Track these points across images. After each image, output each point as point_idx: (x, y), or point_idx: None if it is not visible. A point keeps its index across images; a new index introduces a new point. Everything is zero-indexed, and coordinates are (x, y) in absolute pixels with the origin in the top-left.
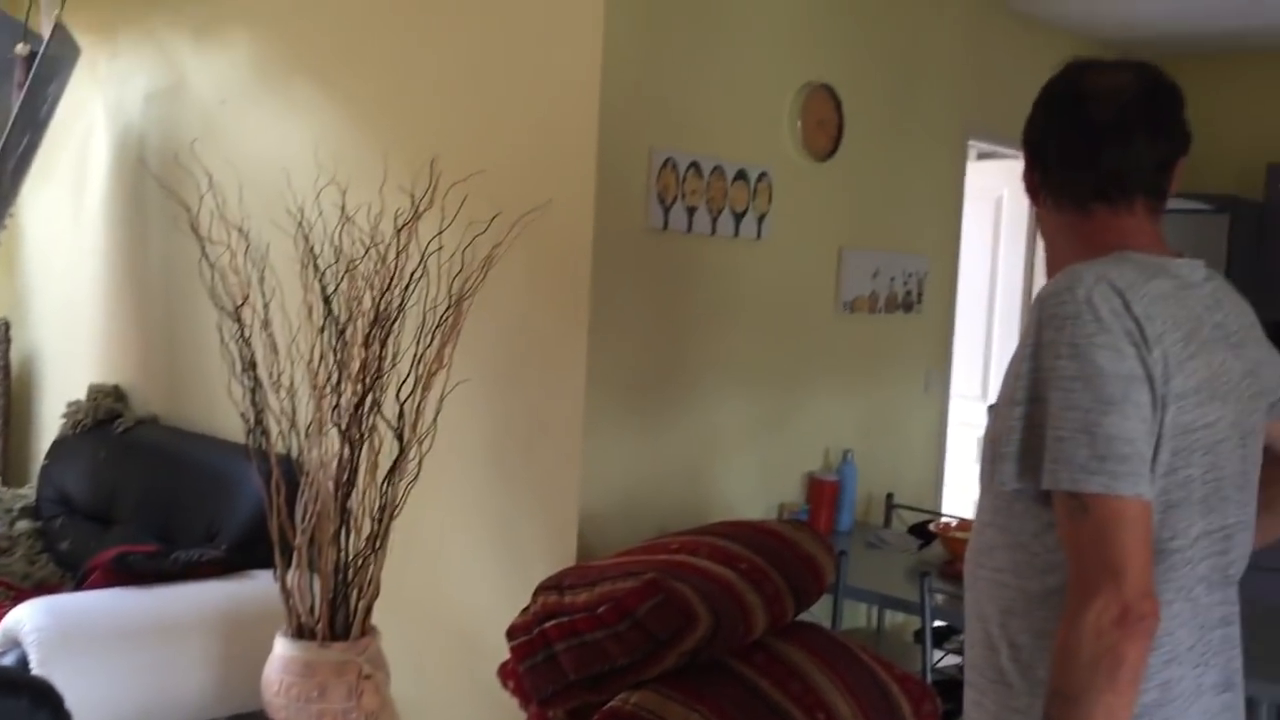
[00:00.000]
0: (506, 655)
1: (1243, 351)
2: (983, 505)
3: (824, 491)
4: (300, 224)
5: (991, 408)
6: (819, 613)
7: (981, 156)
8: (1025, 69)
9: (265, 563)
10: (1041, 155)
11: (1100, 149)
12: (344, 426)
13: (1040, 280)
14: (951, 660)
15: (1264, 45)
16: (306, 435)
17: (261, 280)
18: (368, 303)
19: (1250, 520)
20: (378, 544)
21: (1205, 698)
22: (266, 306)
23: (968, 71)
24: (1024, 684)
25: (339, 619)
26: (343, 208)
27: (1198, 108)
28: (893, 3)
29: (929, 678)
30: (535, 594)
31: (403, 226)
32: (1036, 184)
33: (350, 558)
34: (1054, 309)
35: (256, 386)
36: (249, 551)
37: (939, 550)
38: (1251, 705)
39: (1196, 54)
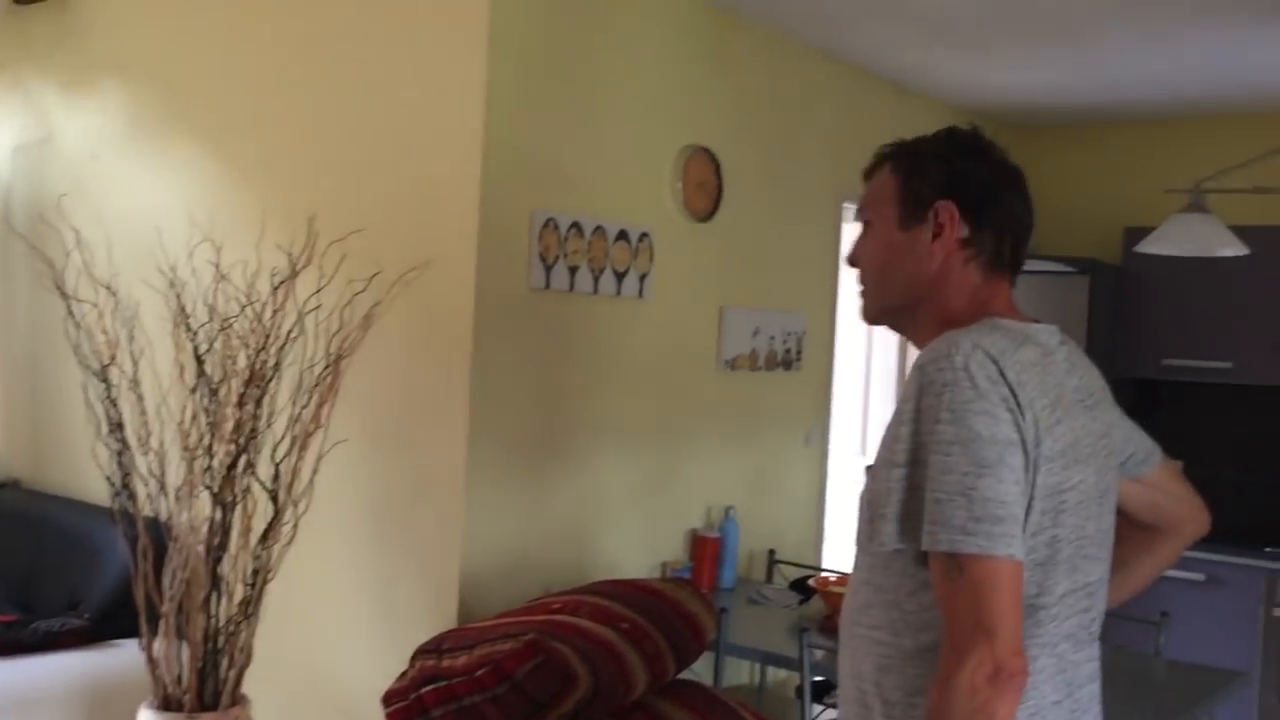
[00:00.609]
0: None
1: (1096, 414)
2: (859, 564)
3: (706, 548)
4: (172, 282)
5: (869, 468)
6: (701, 670)
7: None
8: (897, 134)
9: (131, 631)
10: (988, 214)
11: (1032, 217)
12: (216, 489)
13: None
14: (831, 715)
15: (1119, 117)
16: (176, 498)
17: (131, 339)
18: (242, 362)
19: (1106, 578)
20: (250, 610)
21: None
22: (135, 366)
23: (842, 136)
24: None
25: (208, 688)
26: (217, 265)
27: (1061, 175)
28: (770, 69)
29: None
30: (413, 658)
31: (279, 285)
32: (965, 236)
33: (221, 624)
34: (933, 375)
35: (124, 448)
36: (114, 620)
37: (819, 605)
38: None
39: (1058, 124)
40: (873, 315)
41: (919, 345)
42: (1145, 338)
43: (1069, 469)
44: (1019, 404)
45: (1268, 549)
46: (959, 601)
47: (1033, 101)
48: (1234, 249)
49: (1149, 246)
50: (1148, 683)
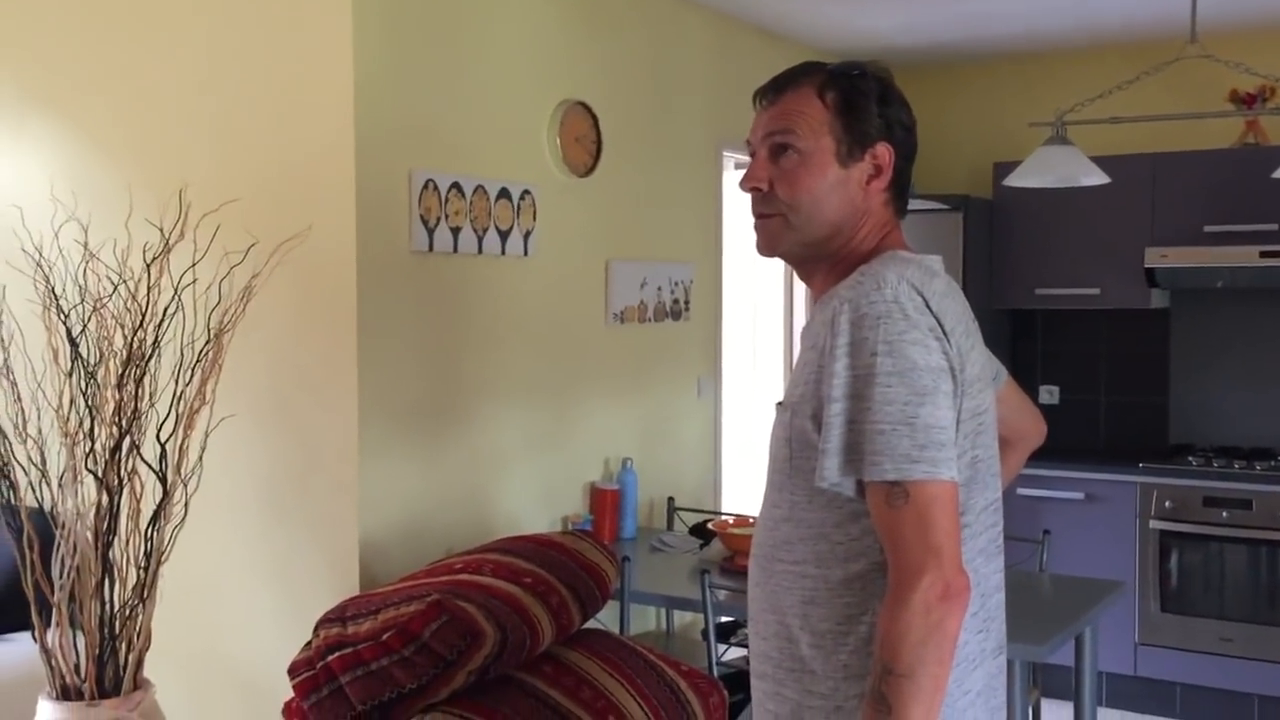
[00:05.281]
0: (290, 694)
1: (979, 340)
2: (776, 501)
3: (606, 500)
4: (39, 263)
5: (780, 404)
6: (608, 619)
7: (739, 167)
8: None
9: (24, 624)
10: (907, 159)
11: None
12: (100, 473)
13: (801, 284)
14: (736, 653)
15: (983, 55)
16: (60, 485)
17: None
18: (119, 342)
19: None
20: (145, 593)
21: (987, 662)
22: (6, 352)
23: (717, 84)
24: (826, 669)
25: (108, 675)
26: (85, 244)
27: (933, 114)
28: (642, 20)
29: (715, 672)
30: (316, 628)
31: (152, 260)
32: (897, 175)
33: (116, 610)
34: (865, 309)
35: (0, 438)
36: (4, 614)
37: (719, 548)
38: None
39: (926, 65)
40: (788, 247)
41: (814, 282)
42: (1018, 269)
43: (982, 393)
44: (944, 332)
45: (1141, 464)
46: (906, 527)
47: (900, 43)
48: (1096, 178)
49: (1016, 180)
50: (1035, 596)
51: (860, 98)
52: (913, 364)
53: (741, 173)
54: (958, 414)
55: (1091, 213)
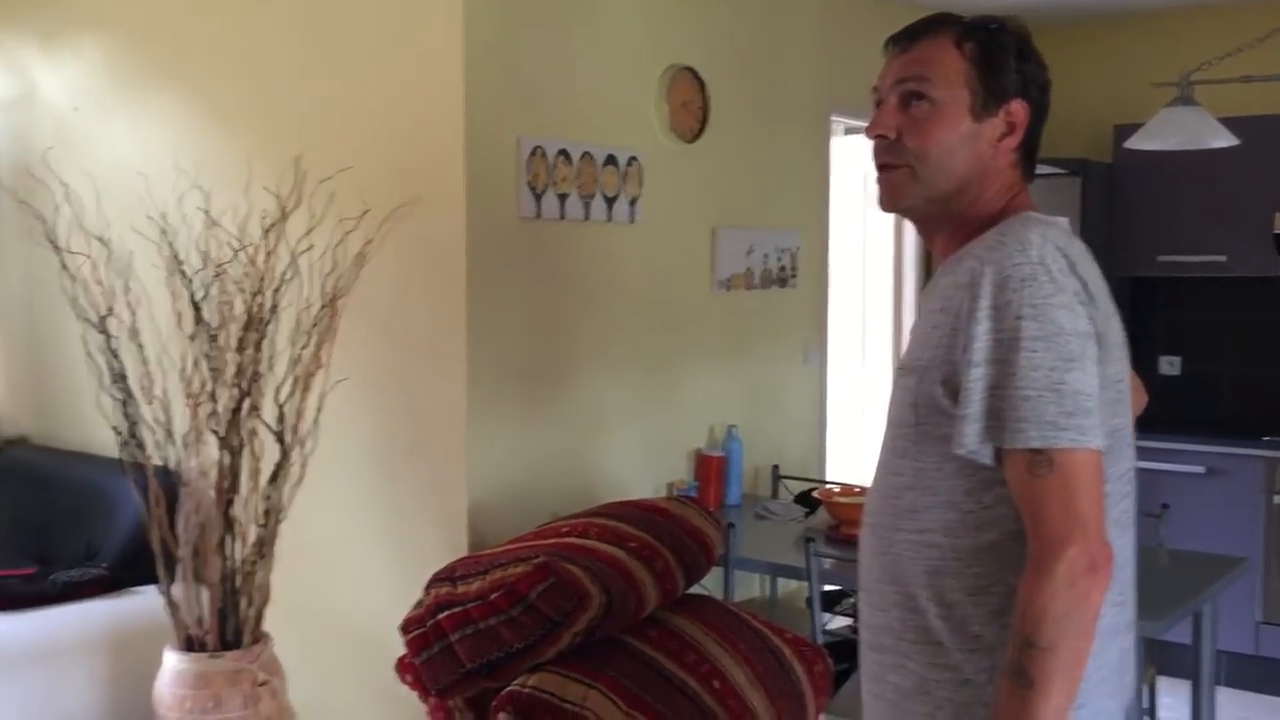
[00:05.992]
0: (403, 650)
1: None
2: (898, 469)
3: (711, 467)
4: (164, 230)
5: (902, 369)
6: (712, 585)
7: (848, 132)
8: (881, 44)
9: (150, 578)
10: (1040, 119)
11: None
12: (222, 433)
13: (910, 250)
14: (840, 622)
15: (1104, 13)
16: (184, 445)
17: (126, 289)
18: (239, 306)
19: None
20: (264, 549)
21: (1120, 636)
22: (133, 315)
23: (827, 49)
24: (956, 640)
25: (229, 628)
26: (207, 211)
27: (1050, 75)
28: None
29: (820, 640)
30: (428, 586)
31: (270, 227)
32: (1028, 136)
33: (237, 565)
34: (1010, 271)
35: (128, 398)
36: (132, 568)
37: (824, 517)
38: None
39: (1044, 24)
40: (911, 201)
41: (937, 242)
42: (1139, 235)
43: (1121, 360)
44: (1090, 295)
45: (1266, 438)
46: (1050, 496)
47: (1016, 3)
48: (1223, 140)
49: (1138, 142)
50: (1152, 572)
51: (1000, 51)
52: (1059, 328)
53: (854, 139)
54: (1100, 380)
55: (1218, 177)
